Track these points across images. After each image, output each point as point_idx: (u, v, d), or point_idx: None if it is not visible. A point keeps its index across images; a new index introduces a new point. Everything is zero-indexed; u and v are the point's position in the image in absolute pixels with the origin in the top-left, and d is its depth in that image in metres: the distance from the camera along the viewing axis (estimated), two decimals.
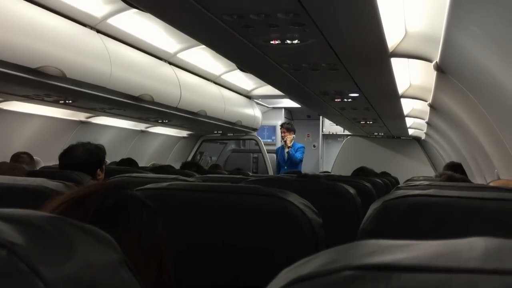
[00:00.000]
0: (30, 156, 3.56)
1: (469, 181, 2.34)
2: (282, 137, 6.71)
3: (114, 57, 3.47)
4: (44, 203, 0.67)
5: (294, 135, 6.74)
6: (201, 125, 5.83)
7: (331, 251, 0.31)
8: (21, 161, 3.25)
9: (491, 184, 2.14)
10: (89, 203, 0.67)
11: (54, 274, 0.31)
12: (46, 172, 2.29)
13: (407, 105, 4.54)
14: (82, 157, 2.11)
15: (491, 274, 0.25)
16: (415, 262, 0.26)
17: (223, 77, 5.43)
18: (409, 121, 5.66)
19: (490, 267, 0.25)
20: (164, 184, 1.12)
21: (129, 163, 3.56)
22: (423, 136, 6.32)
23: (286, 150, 6.65)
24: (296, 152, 6.63)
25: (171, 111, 4.62)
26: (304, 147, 6.93)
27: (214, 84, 5.39)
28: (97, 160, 2.18)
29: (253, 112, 6.68)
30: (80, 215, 0.64)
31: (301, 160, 6.74)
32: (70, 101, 3.84)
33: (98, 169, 2.17)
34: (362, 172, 3.79)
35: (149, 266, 0.68)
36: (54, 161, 2.71)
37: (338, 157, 7.54)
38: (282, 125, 6.86)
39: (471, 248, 0.27)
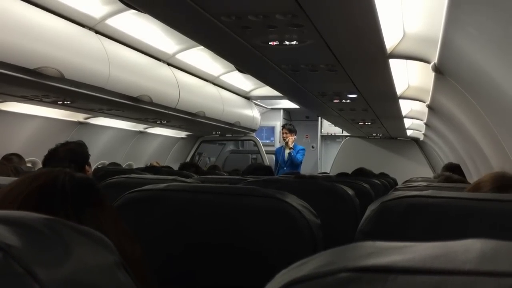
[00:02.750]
0: (19, 156, 3.54)
1: (467, 182, 2.34)
2: (284, 138, 6.71)
3: (113, 57, 3.47)
4: None
5: (295, 137, 6.75)
6: (200, 126, 5.83)
7: (327, 253, 0.31)
8: (11, 163, 3.24)
9: None
10: (60, 189, 0.66)
11: (50, 276, 0.31)
12: None
13: (405, 106, 4.54)
14: (67, 159, 2.09)
15: (486, 276, 0.25)
16: (411, 264, 0.26)
17: (222, 78, 5.43)
18: (407, 122, 5.67)
19: (486, 269, 0.25)
20: (162, 185, 1.12)
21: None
22: (421, 137, 6.32)
23: (288, 151, 6.66)
24: (297, 153, 6.64)
25: (169, 112, 4.61)
26: (304, 149, 6.95)
27: (212, 85, 5.39)
28: (83, 157, 2.17)
29: (252, 113, 6.68)
30: (59, 202, 0.64)
31: (301, 162, 6.75)
32: (68, 102, 3.83)
33: (86, 165, 2.17)
34: (361, 173, 3.80)
35: (127, 244, 0.68)
36: None
37: (337, 158, 7.55)
38: (284, 126, 6.86)
39: (466, 250, 0.27)
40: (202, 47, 3.60)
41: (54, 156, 2.13)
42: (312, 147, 9.12)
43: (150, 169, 3.31)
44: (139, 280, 0.65)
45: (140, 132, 5.91)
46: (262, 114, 7.49)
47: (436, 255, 0.27)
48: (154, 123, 5.56)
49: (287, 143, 6.65)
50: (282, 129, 6.86)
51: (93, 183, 0.71)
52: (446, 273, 0.25)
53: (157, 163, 5.15)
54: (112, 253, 0.37)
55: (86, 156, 2.22)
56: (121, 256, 0.63)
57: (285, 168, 6.53)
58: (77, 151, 2.18)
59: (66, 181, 0.67)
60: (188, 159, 6.93)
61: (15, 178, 1.32)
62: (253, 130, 7.03)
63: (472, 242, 0.28)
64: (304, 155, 6.83)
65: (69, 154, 2.13)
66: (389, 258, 0.27)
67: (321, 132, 8.65)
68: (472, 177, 3.53)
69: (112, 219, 0.68)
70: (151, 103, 4.13)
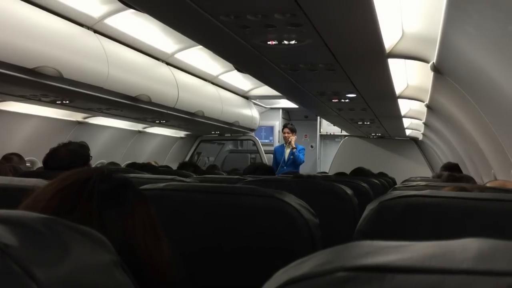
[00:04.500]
0: (19, 156, 3.55)
1: (472, 178, 2.32)
2: (286, 138, 6.72)
3: (111, 57, 3.47)
4: (27, 198, 0.66)
5: (296, 136, 6.79)
6: (199, 126, 5.83)
7: (325, 252, 0.31)
8: (10, 163, 3.24)
9: (488, 185, 2.14)
10: (89, 189, 0.65)
11: (48, 276, 0.31)
12: (42, 173, 2.28)
13: (404, 106, 4.55)
14: (67, 159, 2.09)
15: (484, 275, 0.25)
16: (409, 263, 0.26)
17: (221, 77, 5.43)
18: (406, 122, 5.67)
19: (483, 268, 0.25)
20: (161, 184, 1.12)
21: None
22: (420, 137, 6.33)
23: (289, 150, 6.67)
24: (298, 153, 6.66)
25: (168, 112, 4.61)
26: (304, 149, 6.97)
27: (211, 85, 5.39)
28: (82, 159, 2.17)
29: (251, 112, 6.68)
30: (84, 202, 0.64)
31: (303, 161, 6.79)
32: (67, 102, 3.83)
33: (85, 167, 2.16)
34: (360, 173, 3.80)
35: (155, 248, 0.68)
36: None
37: (336, 157, 7.55)
38: (285, 126, 6.88)
39: (464, 249, 0.27)
40: (201, 46, 3.60)
41: (54, 156, 2.13)
42: (311, 146, 9.13)
43: (143, 167, 3.29)
44: (165, 283, 0.66)
45: (139, 131, 5.90)
46: (261, 113, 7.49)
47: (434, 254, 0.27)
48: (153, 123, 5.55)
49: (289, 142, 6.66)
50: (283, 129, 6.87)
51: (126, 185, 0.70)
52: (443, 272, 0.25)
53: (155, 162, 5.15)
54: (110, 252, 0.37)
55: (87, 158, 2.21)
56: (147, 259, 0.63)
57: (285, 167, 6.54)
58: (78, 152, 2.18)
59: (96, 182, 0.67)
60: (187, 159, 6.93)
61: (13, 177, 1.32)
62: (252, 130, 7.03)
63: (469, 241, 0.28)
64: (304, 154, 6.87)
65: (70, 154, 2.13)
66: (386, 257, 0.27)
67: (320, 132, 8.66)
68: (471, 176, 3.54)
69: (143, 221, 0.68)
70: (150, 102, 4.13)
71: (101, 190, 0.66)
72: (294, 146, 6.61)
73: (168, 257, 0.70)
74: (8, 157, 3.37)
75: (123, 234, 0.64)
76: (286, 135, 6.71)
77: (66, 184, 0.66)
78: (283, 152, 6.73)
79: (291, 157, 6.60)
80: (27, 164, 4.01)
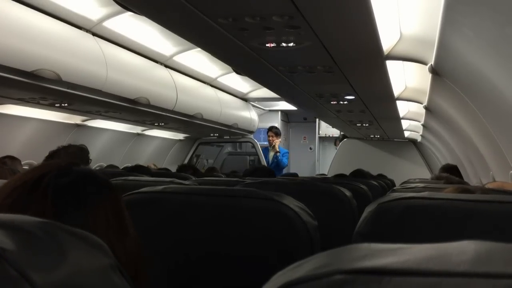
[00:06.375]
0: (15, 159, 3.52)
1: (465, 183, 2.34)
2: (270, 142, 6.76)
3: (110, 60, 3.47)
4: None
5: (280, 140, 6.84)
6: (198, 128, 5.83)
7: (322, 255, 0.31)
8: (6, 165, 3.22)
9: (487, 186, 2.14)
10: (44, 185, 0.60)
11: (45, 280, 0.31)
12: None
13: (402, 108, 4.55)
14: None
15: (481, 278, 0.25)
16: (406, 266, 0.26)
17: (219, 79, 5.43)
18: (405, 123, 5.68)
19: (480, 270, 0.25)
20: (160, 187, 1.12)
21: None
22: (419, 138, 6.33)
23: (272, 154, 6.72)
24: (282, 157, 6.72)
25: (167, 114, 4.62)
26: (288, 152, 7.02)
27: (210, 87, 5.40)
28: (81, 162, 2.17)
29: (249, 114, 6.68)
30: (38, 199, 0.59)
31: (286, 165, 6.84)
32: (65, 104, 3.83)
33: None
34: (359, 174, 3.80)
35: (118, 242, 0.64)
36: None
37: (335, 159, 7.55)
38: (270, 129, 6.91)
39: (461, 251, 0.27)
40: (199, 49, 3.61)
41: (53, 159, 2.13)
42: (310, 148, 9.14)
43: (137, 169, 3.27)
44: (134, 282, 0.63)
45: (138, 134, 5.90)
46: (259, 116, 7.49)
47: (431, 256, 0.27)
48: (151, 125, 5.55)
49: (273, 146, 6.72)
50: (268, 132, 6.92)
51: (86, 178, 0.65)
52: (440, 274, 0.26)
53: (154, 165, 5.15)
54: (107, 256, 0.37)
55: (86, 161, 2.22)
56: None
57: None
58: (77, 155, 2.18)
59: (52, 177, 0.62)
60: (186, 161, 6.92)
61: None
62: (251, 132, 7.04)
63: (466, 243, 0.28)
64: (288, 158, 6.92)
65: (69, 157, 2.13)
66: (383, 260, 0.28)
67: (319, 134, 8.68)
68: (470, 178, 3.54)
69: (105, 216, 0.63)
70: (148, 105, 4.13)
71: (57, 185, 0.61)
72: (278, 150, 6.66)
73: (135, 253, 0.65)
74: (2, 161, 3.35)
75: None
76: (271, 138, 6.75)
77: (22, 181, 0.61)
78: (267, 155, 6.79)
79: (275, 160, 6.65)
80: (24, 167, 4.00)
